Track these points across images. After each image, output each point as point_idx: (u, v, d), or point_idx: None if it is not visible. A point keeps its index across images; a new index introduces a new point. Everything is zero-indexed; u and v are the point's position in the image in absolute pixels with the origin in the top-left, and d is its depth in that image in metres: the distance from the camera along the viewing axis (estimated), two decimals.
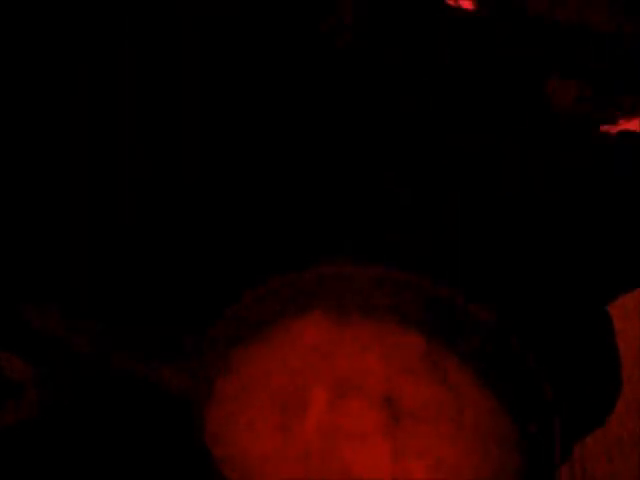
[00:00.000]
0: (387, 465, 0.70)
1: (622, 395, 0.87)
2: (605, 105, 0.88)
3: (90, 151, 0.85)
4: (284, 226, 0.88)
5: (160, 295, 0.84)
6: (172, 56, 0.87)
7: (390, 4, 0.88)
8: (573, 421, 0.75)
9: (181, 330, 0.78)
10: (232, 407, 0.73)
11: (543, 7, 0.88)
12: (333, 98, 0.89)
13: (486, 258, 0.86)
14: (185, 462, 0.70)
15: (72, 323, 0.77)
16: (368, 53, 0.88)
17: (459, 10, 0.88)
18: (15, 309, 0.77)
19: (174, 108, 0.87)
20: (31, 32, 0.84)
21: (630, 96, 0.89)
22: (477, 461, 0.72)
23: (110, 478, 0.73)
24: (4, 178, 0.84)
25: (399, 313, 0.79)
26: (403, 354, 0.78)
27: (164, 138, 0.87)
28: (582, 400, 0.83)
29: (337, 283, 0.79)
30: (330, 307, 0.79)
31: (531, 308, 0.83)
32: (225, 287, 0.81)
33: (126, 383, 0.75)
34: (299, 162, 0.86)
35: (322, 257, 0.81)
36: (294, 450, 0.71)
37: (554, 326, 0.84)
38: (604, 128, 0.88)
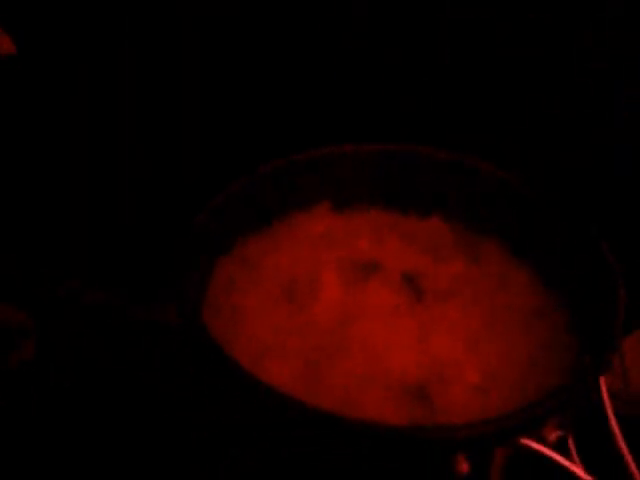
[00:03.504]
0: (413, 343, 0.65)
1: None
2: None
3: (90, 144, 0.86)
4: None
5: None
6: (172, 56, 0.87)
7: (390, 4, 0.88)
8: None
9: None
10: (235, 298, 0.68)
11: None
12: (333, 97, 0.89)
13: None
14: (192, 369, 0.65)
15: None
16: (368, 53, 0.89)
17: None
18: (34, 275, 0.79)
19: (174, 107, 0.88)
20: (32, 32, 0.85)
21: None
22: (515, 340, 0.66)
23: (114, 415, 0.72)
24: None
25: (419, 197, 0.74)
26: (425, 236, 0.73)
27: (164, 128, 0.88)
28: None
29: (340, 166, 0.73)
30: (339, 197, 0.74)
31: None
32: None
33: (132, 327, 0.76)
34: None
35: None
36: (307, 331, 0.65)
37: None
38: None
